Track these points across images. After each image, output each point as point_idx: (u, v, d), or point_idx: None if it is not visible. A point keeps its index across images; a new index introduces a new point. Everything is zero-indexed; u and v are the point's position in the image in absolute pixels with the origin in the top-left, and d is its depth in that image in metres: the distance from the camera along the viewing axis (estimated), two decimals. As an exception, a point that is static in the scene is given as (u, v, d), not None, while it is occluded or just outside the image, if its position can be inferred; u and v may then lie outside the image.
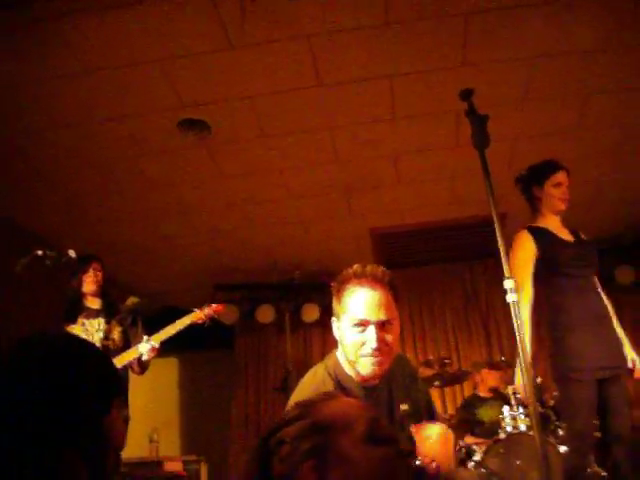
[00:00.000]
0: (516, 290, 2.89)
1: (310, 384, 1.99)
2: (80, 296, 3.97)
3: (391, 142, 4.46)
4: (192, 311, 3.97)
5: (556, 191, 3.17)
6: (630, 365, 2.98)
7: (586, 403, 2.85)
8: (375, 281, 1.87)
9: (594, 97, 4.04)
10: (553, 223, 3.23)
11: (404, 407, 2.01)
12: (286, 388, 5.63)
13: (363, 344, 1.84)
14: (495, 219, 2.15)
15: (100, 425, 1.07)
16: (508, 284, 2.04)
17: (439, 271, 6.73)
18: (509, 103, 4.04)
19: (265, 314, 6.63)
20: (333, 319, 1.98)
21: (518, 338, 1.98)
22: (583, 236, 3.30)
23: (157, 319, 4.12)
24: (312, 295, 6.45)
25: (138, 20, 3.07)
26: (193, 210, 5.22)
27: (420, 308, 6.64)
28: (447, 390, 5.98)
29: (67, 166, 4.38)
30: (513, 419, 3.97)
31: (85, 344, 1.19)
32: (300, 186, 4.97)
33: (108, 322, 3.90)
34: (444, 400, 6.04)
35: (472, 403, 5.12)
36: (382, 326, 1.84)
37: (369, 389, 1.95)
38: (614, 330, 3.02)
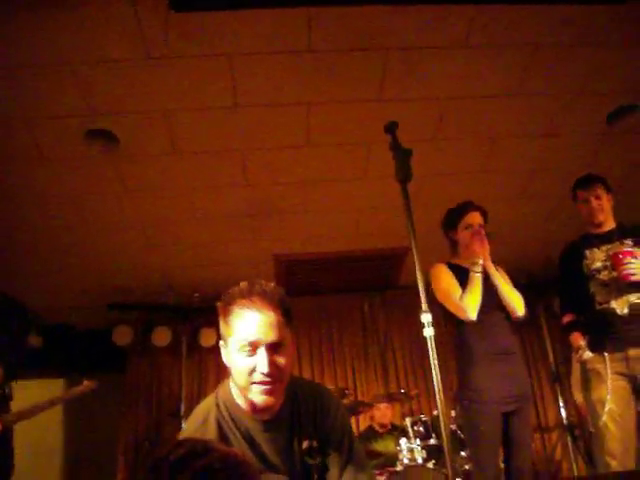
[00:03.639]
0: (456, 311, 3.01)
1: (195, 419, 1.80)
2: None
3: (302, 169, 4.45)
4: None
5: (468, 233, 3.24)
6: None
7: (488, 435, 2.90)
8: (265, 300, 1.68)
9: (501, 140, 4.23)
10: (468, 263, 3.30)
11: (308, 444, 1.81)
12: (179, 414, 5.43)
13: (253, 369, 1.65)
14: (414, 251, 2.13)
15: None
16: (425, 318, 2.02)
17: (339, 301, 6.76)
18: (421, 140, 4.14)
19: (161, 337, 6.36)
20: (221, 343, 1.78)
21: (433, 370, 1.96)
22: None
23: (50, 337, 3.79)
24: (211, 319, 6.19)
25: (53, 19, 2.89)
26: (90, 224, 4.93)
27: (320, 337, 6.62)
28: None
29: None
30: (410, 451, 4.00)
31: None
32: (205, 207, 4.84)
33: None
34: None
35: (368, 435, 5.13)
36: (273, 348, 1.66)
37: (265, 422, 1.76)
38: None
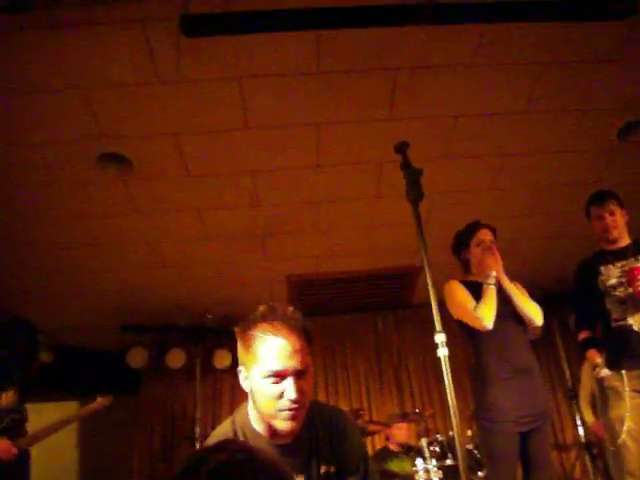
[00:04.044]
0: (476, 324, 3.01)
1: (212, 441, 1.70)
2: None
3: (313, 189, 4.47)
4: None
5: (479, 249, 3.24)
6: None
7: (505, 455, 2.87)
8: (288, 326, 1.66)
9: (510, 157, 4.23)
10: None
11: (326, 469, 1.80)
12: (193, 437, 5.41)
13: (280, 397, 1.63)
14: (427, 270, 2.13)
15: None
16: (439, 338, 2.01)
17: (352, 321, 6.74)
18: (431, 159, 4.14)
19: (175, 359, 6.36)
20: (240, 368, 1.76)
21: (448, 390, 1.95)
22: None
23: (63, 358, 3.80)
24: (224, 340, 6.21)
25: (64, 43, 2.93)
26: (101, 244, 4.95)
27: (333, 357, 6.59)
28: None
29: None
30: (426, 472, 3.96)
31: None
32: (217, 228, 4.86)
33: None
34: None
35: (383, 456, 5.08)
36: (299, 375, 1.65)
37: (282, 447, 1.74)
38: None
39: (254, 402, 1.72)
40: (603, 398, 3.16)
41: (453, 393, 1.95)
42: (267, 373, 1.63)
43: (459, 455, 1.97)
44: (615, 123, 4.01)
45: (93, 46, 2.97)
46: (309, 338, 1.70)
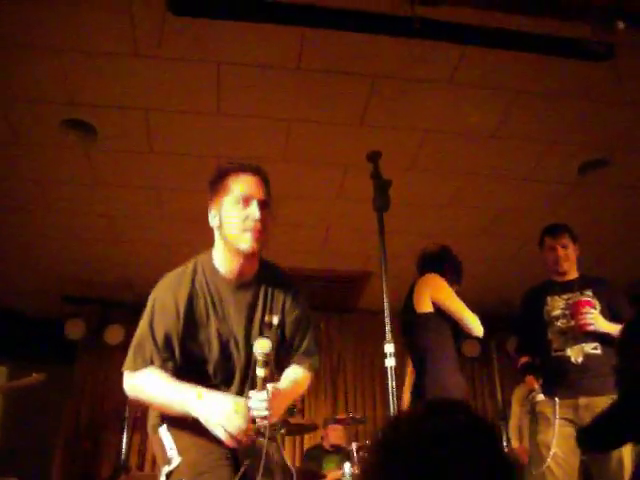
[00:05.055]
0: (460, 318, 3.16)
1: (175, 271, 2.07)
2: None
3: (276, 183, 4.43)
4: None
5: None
6: None
7: None
8: (256, 170, 2.02)
9: (473, 178, 4.31)
10: None
11: (270, 319, 2.02)
12: (122, 415, 5.33)
13: (246, 219, 1.92)
14: (384, 278, 2.14)
15: None
16: (388, 348, 2.03)
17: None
18: (396, 170, 4.18)
19: (114, 334, 6.23)
20: (210, 212, 2.04)
21: (391, 399, 1.97)
22: None
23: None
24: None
25: (47, 1, 2.85)
26: (54, 211, 4.82)
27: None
28: (288, 439, 5.92)
29: None
30: (352, 476, 3.99)
31: None
32: (175, 209, 4.80)
33: None
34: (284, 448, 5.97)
35: (317, 455, 5.10)
36: (263, 206, 1.96)
37: (237, 285, 2.01)
38: None
39: (221, 233, 2.00)
40: (533, 422, 3.25)
41: (396, 403, 1.98)
42: (237, 198, 1.95)
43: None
44: (578, 158, 4.12)
45: (76, 10, 2.89)
46: (269, 190, 2.04)
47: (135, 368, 1.92)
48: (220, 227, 2.00)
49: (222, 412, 1.74)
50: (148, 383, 1.89)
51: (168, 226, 5.05)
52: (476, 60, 3.26)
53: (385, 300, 2.12)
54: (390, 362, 2.00)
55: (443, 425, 1.00)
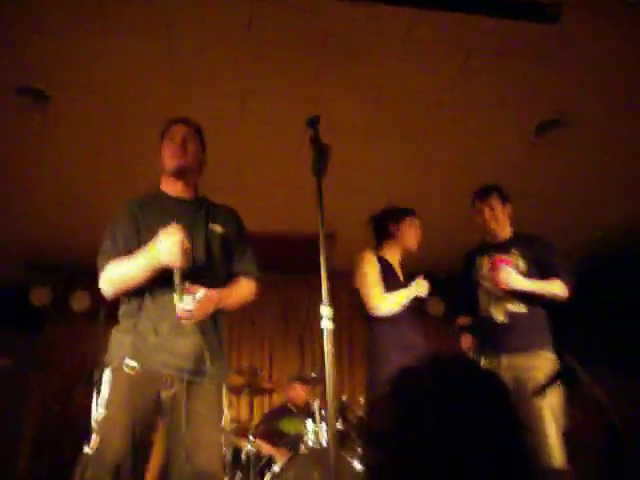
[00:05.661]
0: (371, 307, 3.19)
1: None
2: None
3: (235, 146, 4.43)
4: None
5: (410, 231, 3.46)
6: None
7: None
8: (186, 121, 2.60)
9: (429, 140, 4.32)
10: (394, 258, 3.47)
11: (216, 227, 2.50)
12: (91, 380, 5.34)
13: (172, 146, 2.49)
14: (321, 241, 2.16)
15: None
16: (324, 311, 2.06)
17: (263, 281, 6.75)
18: (353, 133, 4.20)
19: (80, 301, 6.24)
20: (159, 153, 2.55)
21: (326, 361, 2.01)
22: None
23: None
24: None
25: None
26: (13, 178, 4.79)
27: (240, 315, 6.62)
28: (256, 400, 6.00)
29: None
30: (315, 434, 4.04)
31: None
32: (135, 172, 4.73)
33: None
34: (252, 409, 6.05)
35: (279, 414, 5.17)
36: (187, 133, 2.54)
37: (182, 201, 2.52)
38: None
39: (161, 163, 2.51)
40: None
41: (332, 366, 2.01)
42: (169, 136, 2.53)
43: (330, 422, 2.04)
44: (534, 119, 4.13)
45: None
46: (200, 132, 2.64)
47: (102, 266, 2.36)
48: (160, 159, 2.52)
49: (162, 241, 2.20)
50: (114, 268, 2.33)
51: (129, 189, 4.99)
52: (425, 23, 3.22)
53: (322, 261, 2.13)
54: (325, 324, 2.03)
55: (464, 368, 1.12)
